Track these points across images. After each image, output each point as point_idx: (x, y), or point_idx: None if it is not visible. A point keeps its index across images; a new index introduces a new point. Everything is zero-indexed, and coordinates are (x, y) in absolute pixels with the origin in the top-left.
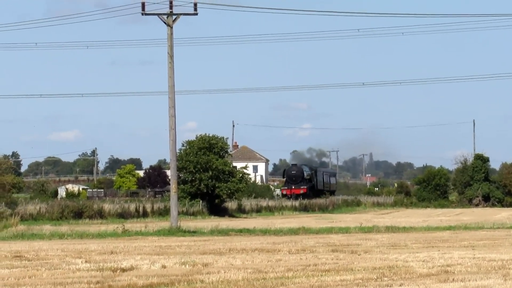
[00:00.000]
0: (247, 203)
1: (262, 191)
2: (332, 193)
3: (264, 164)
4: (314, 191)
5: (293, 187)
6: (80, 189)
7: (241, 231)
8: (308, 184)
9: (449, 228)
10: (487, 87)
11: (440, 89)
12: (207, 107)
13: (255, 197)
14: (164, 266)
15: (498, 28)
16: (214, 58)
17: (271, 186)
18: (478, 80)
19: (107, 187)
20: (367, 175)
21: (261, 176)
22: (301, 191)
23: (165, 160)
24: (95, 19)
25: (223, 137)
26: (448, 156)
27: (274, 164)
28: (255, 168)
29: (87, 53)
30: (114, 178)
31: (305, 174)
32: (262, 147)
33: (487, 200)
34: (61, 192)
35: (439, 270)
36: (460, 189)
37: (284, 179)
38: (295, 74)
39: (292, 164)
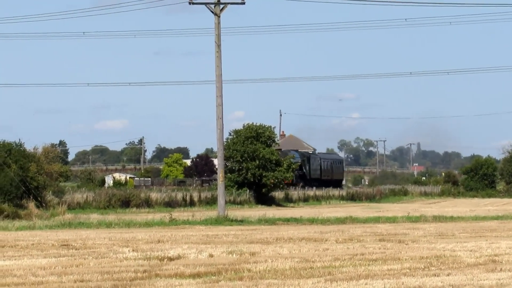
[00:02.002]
0: (294, 192)
1: None
2: (336, 182)
3: None
4: (306, 181)
5: None
6: (127, 178)
7: (288, 221)
8: (296, 172)
9: (497, 217)
10: None
11: (487, 78)
12: (255, 96)
13: (302, 187)
14: (211, 255)
15: None
16: (261, 47)
17: None
18: None
19: (154, 176)
20: (414, 164)
21: None
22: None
23: (212, 149)
24: (143, 8)
25: (270, 126)
26: (495, 146)
27: None
28: None
29: (134, 42)
30: (161, 167)
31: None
32: (309, 136)
33: None
34: (108, 181)
35: (486, 260)
36: (508, 179)
37: None
38: (342, 64)
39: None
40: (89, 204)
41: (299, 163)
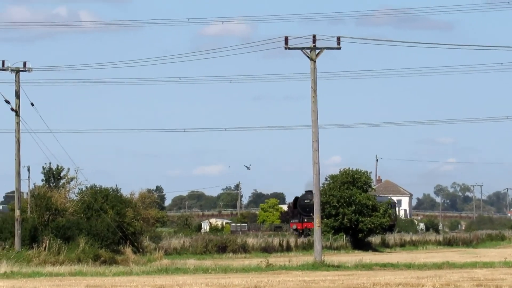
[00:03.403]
0: (391, 237)
1: (406, 225)
2: (388, 228)
3: (407, 198)
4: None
5: (305, 220)
6: (224, 223)
7: (385, 266)
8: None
9: None
10: None
11: None
12: (351, 141)
13: (398, 231)
14: None
15: None
16: (357, 92)
17: (415, 221)
18: None
19: (250, 221)
20: (511, 209)
21: (405, 210)
22: None
23: None
24: (239, 54)
25: (366, 171)
26: None
27: (418, 199)
28: (399, 202)
29: (230, 87)
30: (257, 212)
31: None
32: (406, 181)
33: None
34: (205, 226)
35: None
36: None
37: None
38: (439, 108)
39: (306, 191)
40: (185, 249)
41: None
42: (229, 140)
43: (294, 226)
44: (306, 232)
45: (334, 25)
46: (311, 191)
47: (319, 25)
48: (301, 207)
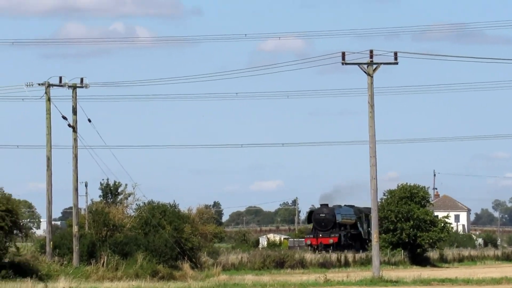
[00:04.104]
0: (449, 252)
1: (464, 240)
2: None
3: (465, 213)
4: (361, 241)
5: (320, 235)
6: (282, 238)
7: (443, 281)
8: (346, 231)
9: None
10: None
11: None
12: (408, 156)
13: (457, 247)
14: None
15: None
16: (414, 107)
17: (473, 236)
18: None
19: None
20: None
21: (463, 226)
22: (331, 241)
23: None
24: (295, 69)
25: (424, 186)
26: None
27: (476, 214)
28: (457, 218)
29: (287, 102)
30: None
31: (338, 218)
32: (464, 196)
33: None
34: (262, 241)
35: None
36: None
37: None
38: (496, 123)
39: (321, 204)
40: (243, 265)
41: (353, 221)
42: (286, 155)
43: (309, 242)
44: (321, 247)
45: (390, 41)
46: (326, 205)
47: (374, 40)
48: (316, 221)
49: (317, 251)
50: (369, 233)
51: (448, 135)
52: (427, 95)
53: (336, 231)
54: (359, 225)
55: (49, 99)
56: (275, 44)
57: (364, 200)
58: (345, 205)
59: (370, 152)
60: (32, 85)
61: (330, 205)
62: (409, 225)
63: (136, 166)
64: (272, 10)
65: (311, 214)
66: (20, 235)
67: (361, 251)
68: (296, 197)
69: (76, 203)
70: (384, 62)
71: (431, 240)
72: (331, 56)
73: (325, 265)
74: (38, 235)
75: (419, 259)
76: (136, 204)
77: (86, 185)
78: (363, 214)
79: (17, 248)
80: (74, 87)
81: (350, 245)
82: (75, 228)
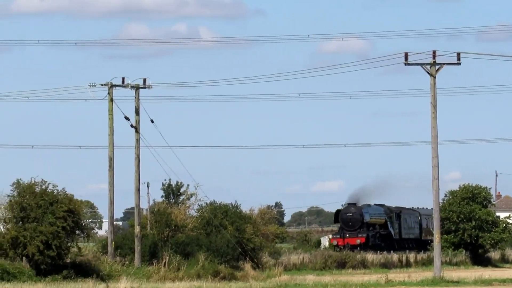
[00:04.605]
0: (510, 253)
1: None
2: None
3: None
4: (391, 241)
5: (347, 235)
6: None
7: (504, 281)
8: (375, 231)
9: None
10: None
11: None
12: (470, 157)
13: None
14: None
15: None
16: (476, 107)
17: None
18: None
19: None
20: None
21: None
22: (358, 241)
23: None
24: (358, 70)
25: (486, 187)
26: None
27: None
28: None
29: (349, 103)
30: None
31: (365, 217)
32: None
33: None
34: (324, 242)
35: None
36: None
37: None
38: None
39: (348, 203)
40: (305, 265)
41: (382, 221)
42: (348, 156)
43: (335, 242)
44: (347, 248)
45: (453, 41)
46: (354, 204)
47: (437, 41)
48: (342, 221)
49: (344, 251)
50: (400, 234)
51: (511, 136)
52: (490, 96)
53: (364, 231)
54: (389, 225)
55: (111, 100)
56: (337, 45)
57: (401, 198)
58: (374, 204)
59: (432, 153)
60: (95, 85)
61: (359, 204)
62: (471, 225)
63: (198, 167)
64: (334, 11)
65: (337, 213)
66: (82, 235)
67: (391, 251)
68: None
69: (138, 203)
70: (447, 63)
71: (492, 241)
72: (393, 56)
73: (386, 266)
74: (100, 235)
75: (480, 260)
76: (198, 204)
77: (148, 186)
78: (393, 214)
79: (79, 248)
80: (136, 88)
81: (379, 245)
82: (137, 229)
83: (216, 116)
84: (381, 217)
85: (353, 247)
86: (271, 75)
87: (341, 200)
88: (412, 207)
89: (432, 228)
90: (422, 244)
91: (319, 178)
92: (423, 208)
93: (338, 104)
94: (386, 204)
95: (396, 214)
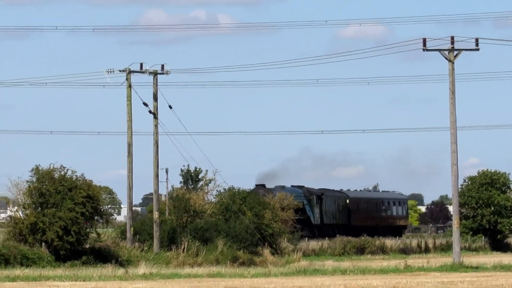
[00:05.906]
0: None
1: None
2: (388, 229)
3: None
4: (311, 227)
5: None
6: None
7: None
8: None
9: None
10: None
11: None
12: (489, 142)
13: None
14: None
15: None
16: (495, 93)
17: None
18: None
19: None
20: None
21: None
22: None
23: (446, 195)
24: (376, 55)
25: (505, 173)
26: None
27: None
28: None
29: (367, 89)
30: None
31: None
32: None
33: None
34: None
35: None
36: None
37: None
38: None
39: (256, 185)
40: (324, 251)
41: (299, 205)
42: (367, 142)
43: None
44: None
45: (470, 26)
46: (263, 185)
47: (454, 26)
48: None
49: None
50: (322, 219)
51: None
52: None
53: None
54: (308, 209)
55: (130, 86)
56: (355, 30)
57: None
58: (292, 186)
59: (451, 139)
60: (113, 71)
61: (272, 186)
62: (490, 211)
63: (216, 153)
64: None
65: None
66: (101, 221)
67: (314, 239)
68: (377, 183)
69: (157, 189)
70: (466, 49)
71: (511, 226)
72: (412, 42)
73: (405, 251)
74: (118, 221)
75: (499, 245)
76: (217, 190)
77: (166, 171)
78: (313, 197)
79: (98, 234)
80: (155, 74)
81: (296, 230)
82: (155, 214)
83: (234, 102)
84: (296, 200)
85: None
86: (289, 61)
87: (359, 186)
88: (341, 189)
89: (367, 213)
90: (351, 230)
91: (338, 163)
92: (355, 190)
93: (356, 90)
94: (306, 186)
95: (317, 196)
